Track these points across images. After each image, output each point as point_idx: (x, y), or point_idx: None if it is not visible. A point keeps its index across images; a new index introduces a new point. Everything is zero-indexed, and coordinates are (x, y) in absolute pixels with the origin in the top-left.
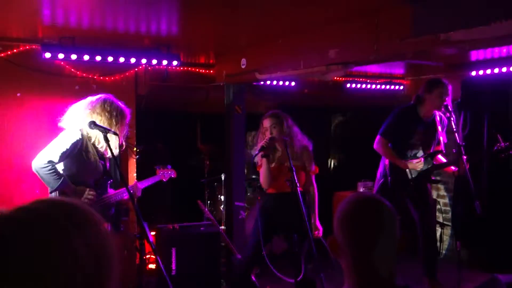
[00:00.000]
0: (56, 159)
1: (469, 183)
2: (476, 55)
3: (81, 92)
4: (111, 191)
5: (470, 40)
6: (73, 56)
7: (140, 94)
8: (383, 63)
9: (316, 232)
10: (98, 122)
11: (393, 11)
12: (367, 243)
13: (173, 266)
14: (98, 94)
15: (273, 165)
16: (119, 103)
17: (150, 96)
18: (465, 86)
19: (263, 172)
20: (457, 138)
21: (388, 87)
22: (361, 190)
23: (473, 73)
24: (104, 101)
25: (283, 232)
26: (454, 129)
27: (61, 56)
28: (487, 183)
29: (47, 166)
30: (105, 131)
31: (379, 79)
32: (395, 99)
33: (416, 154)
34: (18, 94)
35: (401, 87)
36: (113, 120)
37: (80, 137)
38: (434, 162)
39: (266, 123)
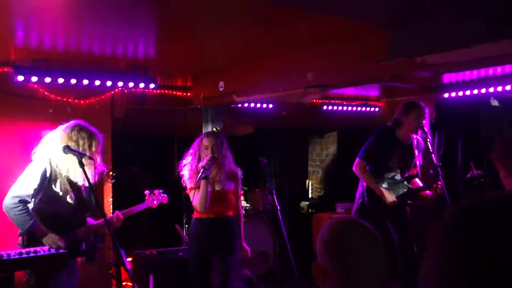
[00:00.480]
0: (28, 197)
1: (446, 202)
2: (448, 77)
3: (55, 115)
4: (91, 221)
5: (446, 63)
6: (47, 79)
7: (116, 117)
8: (359, 86)
9: (244, 253)
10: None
11: (372, 35)
12: (352, 268)
13: None
14: (72, 118)
15: (209, 188)
16: (92, 128)
17: (127, 119)
18: (438, 107)
19: (201, 194)
20: (434, 159)
21: (364, 109)
22: (340, 211)
23: (446, 95)
24: (74, 127)
25: (218, 258)
26: (431, 150)
27: (34, 79)
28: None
29: (18, 206)
30: (80, 155)
31: (355, 101)
32: (371, 121)
33: (394, 176)
34: None
35: (377, 109)
36: (86, 146)
37: (48, 166)
38: (410, 186)
39: (207, 142)
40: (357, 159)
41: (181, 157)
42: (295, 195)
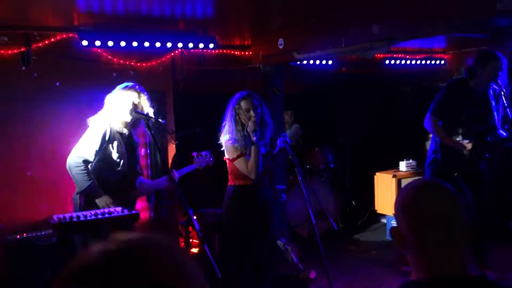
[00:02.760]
0: (91, 158)
1: None
2: None
3: (119, 79)
4: (146, 182)
5: None
6: (110, 43)
7: (177, 79)
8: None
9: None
10: (118, 107)
11: None
12: (434, 232)
13: (217, 252)
14: (135, 81)
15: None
16: (140, 87)
17: (187, 81)
18: (510, 59)
19: (254, 160)
20: (509, 113)
21: (428, 62)
22: (405, 169)
23: None
24: (125, 87)
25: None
26: (506, 104)
27: (98, 43)
28: None
29: (81, 166)
30: (146, 118)
31: (419, 54)
32: (436, 75)
33: (469, 129)
34: (57, 84)
35: (442, 62)
36: (136, 101)
37: (108, 128)
38: (489, 138)
39: (246, 104)
40: (427, 115)
41: None
42: (356, 153)
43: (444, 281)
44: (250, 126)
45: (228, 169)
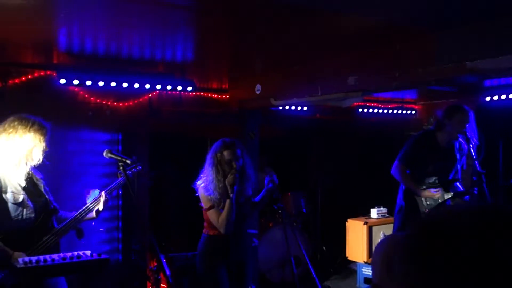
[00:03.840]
0: None
1: None
2: (490, 81)
3: (95, 118)
4: (65, 215)
5: (497, 68)
6: (88, 82)
7: (153, 119)
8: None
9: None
10: (6, 140)
11: (416, 37)
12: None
13: None
14: (111, 121)
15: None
16: (33, 117)
17: (164, 121)
18: (478, 111)
19: (226, 214)
20: (478, 165)
21: (400, 111)
22: (376, 216)
23: (487, 98)
24: (9, 119)
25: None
26: (474, 157)
27: (76, 82)
28: None
29: None
30: (122, 159)
31: (391, 104)
32: (407, 124)
33: (435, 181)
34: None
35: (413, 112)
36: (27, 132)
37: None
38: (451, 190)
39: (228, 155)
40: (395, 162)
41: None
42: (328, 200)
43: None
44: (229, 179)
45: (204, 216)
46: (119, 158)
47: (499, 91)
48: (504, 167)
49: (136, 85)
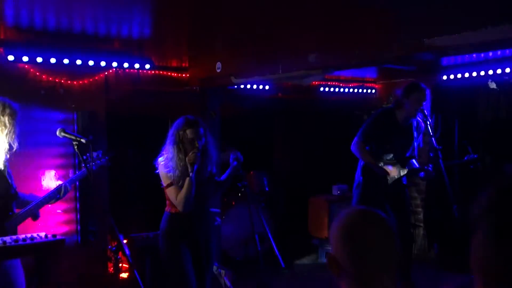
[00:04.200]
0: None
1: (446, 186)
2: (447, 59)
3: (47, 97)
4: (27, 197)
5: (455, 45)
6: (39, 59)
7: (111, 98)
8: (361, 68)
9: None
10: None
11: (375, 15)
12: (370, 259)
13: (147, 276)
14: (65, 99)
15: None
16: (2, 98)
17: (121, 101)
18: (435, 90)
19: (185, 193)
20: (434, 142)
21: (360, 90)
22: (336, 193)
23: (444, 77)
24: None
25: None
26: (431, 133)
27: (25, 58)
28: (459, 187)
29: None
30: (76, 138)
31: (351, 83)
32: (367, 103)
33: (392, 158)
34: None
35: (373, 91)
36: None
37: None
38: (407, 167)
39: (191, 133)
40: (355, 139)
41: None
42: (291, 178)
43: None
44: (190, 158)
45: (165, 195)
46: (73, 137)
47: (456, 70)
48: (459, 145)
49: (91, 63)
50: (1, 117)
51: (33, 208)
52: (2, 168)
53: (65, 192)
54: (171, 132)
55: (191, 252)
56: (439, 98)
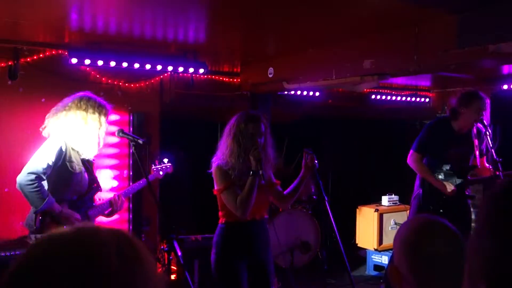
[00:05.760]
0: (43, 173)
1: None
2: (508, 68)
3: (106, 99)
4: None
5: None
6: (100, 62)
7: (165, 101)
8: (418, 75)
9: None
10: (73, 120)
11: (436, 20)
12: (438, 275)
13: (196, 279)
14: (122, 102)
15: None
16: (98, 98)
17: (175, 104)
18: (495, 100)
19: (247, 193)
20: (494, 154)
21: (413, 99)
22: (387, 204)
23: (505, 86)
24: (82, 97)
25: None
26: (491, 145)
27: (87, 61)
28: None
29: (34, 183)
30: (134, 139)
31: (404, 91)
32: (420, 112)
33: (451, 168)
34: (43, 100)
35: (427, 100)
36: (96, 114)
37: (64, 144)
38: (469, 177)
39: (253, 128)
40: (411, 151)
41: None
42: (339, 186)
43: None
44: (254, 153)
45: (219, 203)
46: (130, 137)
47: None
48: None
49: (148, 66)
50: (98, 116)
51: (112, 201)
52: (92, 161)
53: (121, 206)
54: (229, 126)
55: (250, 273)
56: (499, 108)
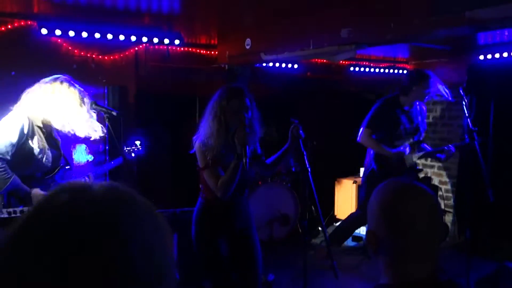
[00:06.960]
0: (7, 154)
1: (481, 169)
2: (484, 38)
3: (79, 71)
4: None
5: (498, 18)
6: (71, 33)
7: (140, 75)
8: (394, 44)
9: None
10: (47, 92)
11: None
12: (415, 235)
13: (174, 252)
14: (96, 74)
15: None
16: (74, 82)
17: (150, 77)
18: (471, 70)
19: (229, 176)
20: (470, 123)
21: (391, 71)
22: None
23: (481, 57)
24: (57, 78)
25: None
26: (467, 115)
27: (58, 32)
28: (491, 170)
29: None
30: (107, 111)
31: (382, 63)
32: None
33: (403, 143)
34: (13, 73)
35: (405, 71)
36: (65, 88)
37: (26, 120)
38: (417, 152)
39: (237, 104)
40: (361, 129)
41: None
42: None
43: (415, 285)
44: (240, 137)
45: (200, 178)
46: (104, 109)
47: (492, 49)
48: (494, 126)
49: (121, 37)
50: (84, 96)
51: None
52: (58, 140)
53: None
54: (211, 103)
55: (230, 245)
56: (475, 79)
